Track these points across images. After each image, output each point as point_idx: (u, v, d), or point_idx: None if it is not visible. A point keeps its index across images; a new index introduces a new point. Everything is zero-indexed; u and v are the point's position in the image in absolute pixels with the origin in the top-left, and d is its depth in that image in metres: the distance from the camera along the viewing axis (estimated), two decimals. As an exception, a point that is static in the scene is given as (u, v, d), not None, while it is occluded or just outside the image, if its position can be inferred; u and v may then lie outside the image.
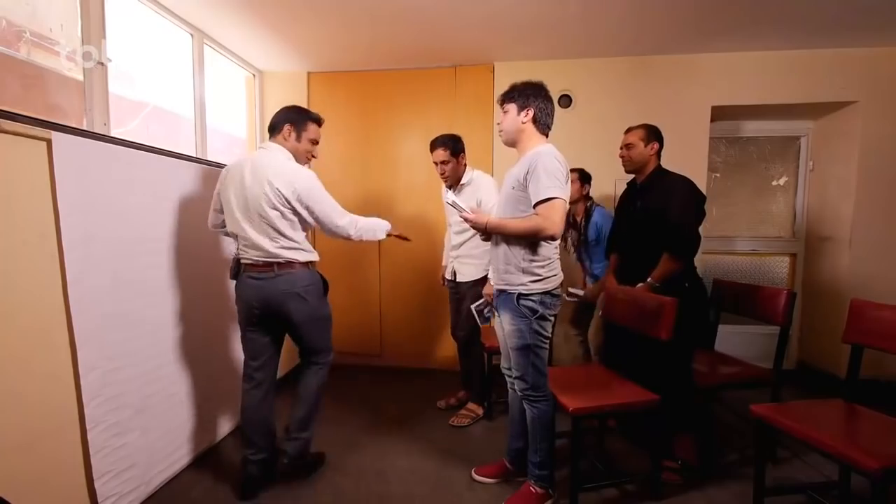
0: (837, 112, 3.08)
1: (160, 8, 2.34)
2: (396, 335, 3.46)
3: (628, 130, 2.18)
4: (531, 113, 1.66)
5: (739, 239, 3.40)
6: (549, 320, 1.71)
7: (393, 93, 3.32)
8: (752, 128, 3.38)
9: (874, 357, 1.73)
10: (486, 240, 1.79)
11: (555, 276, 1.69)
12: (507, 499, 1.77)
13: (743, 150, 3.44)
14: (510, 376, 1.83)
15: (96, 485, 1.58)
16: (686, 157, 3.06)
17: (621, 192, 2.37)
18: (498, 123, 1.77)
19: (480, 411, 2.55)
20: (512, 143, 1.74)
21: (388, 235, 2.07)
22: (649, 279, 2.00)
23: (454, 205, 1.74)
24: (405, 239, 2.15)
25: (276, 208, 1.73)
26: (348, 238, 1.91)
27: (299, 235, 1.83)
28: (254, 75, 3.33)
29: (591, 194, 2.72)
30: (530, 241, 1.63)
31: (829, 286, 3.11)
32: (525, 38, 2.79)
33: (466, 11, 2.41)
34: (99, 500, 1.59)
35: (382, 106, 3.35)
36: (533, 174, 1.57)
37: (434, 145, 2.45)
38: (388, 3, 2.31)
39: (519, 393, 1.76)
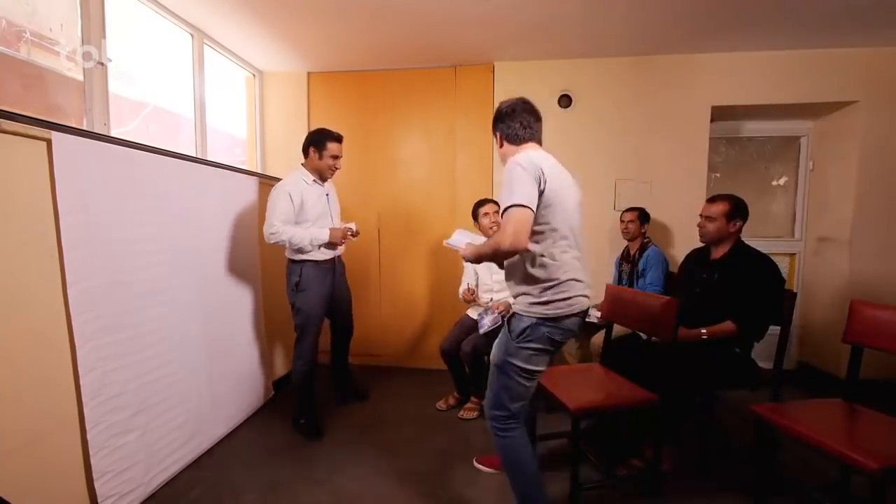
0: (837, 112, 3.08)
1: (160, 8, 2.34)
2: (396, 335, 3.46)
3: (712, 200, 2.08)
4: (499, 136, 1.63)
5: (739, 239, 3.41)
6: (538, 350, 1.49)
7: (393, 93, 3.32)
8: (752, 128, 3.37)
9: (874, 357, 1.73)
10: (501, 267, 1.66)
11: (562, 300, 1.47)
12: None
13: (743, 150, 3.44)
14: None
15: (96, 485, 1.58)
16: (686, 157, 3.07)
17: (689, 252, 2.34)
18: None
19: (480, 403, 2.56)
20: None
21: (331, 244, 2.31)
22: (703, 330, 1.97)
23: (448, 245, 1.78)
24: (352, 235, 2.36)
25: None
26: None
27: None
28: (254, 75, 3.33)
29: (647, 234, 2.82)
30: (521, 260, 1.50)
31: (829, 286, 3.11)
32: (525, 38, 2.78)
33: (466, 11, 2.41)
34: (99, 500, 1.59)
35: (382, 106, 3.34)
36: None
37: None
38: (388, 3, 2.31)
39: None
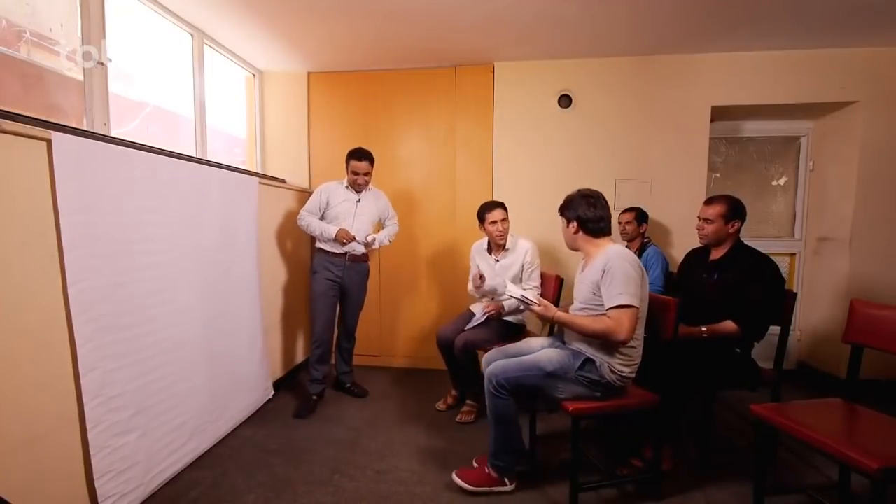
0: (837, 112, 3.08)
1: (160, 8, 2.34)
2: (396, 336, 3.46)
3: (709, 202, 2.09)
4: (576, 225, 1.79)
5: (739, 239, 3.40)
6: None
7: (393, 93, 3.32)
8: (752, 128, 3.38)
9: (874, 357, 1.73)
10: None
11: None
12: (459, 469, 1.90)
13: (743, 150, 3.44)
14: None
15: (96, 485, 1.58)
16: (686, 157, 3.07)
17: (689, 252, 2.33)
18: None
19: (478, 406, 2.56)
20: (573, 249, 1.88)
21: (337, 240, 2.57)
22: (703, 328, 1.97)
23: (523, 299, 1.81)
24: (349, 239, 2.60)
25: None
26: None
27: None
28: (254, 75, 3.33)
29: (647, 234, 2.87)
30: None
31: (829, 286, 3.11)
32: (525, 38, 2.78)
33: (466, 11, 2.41)
34: (99, 500, 1.59)
35: (382, 106, 3.34)
36: (607, 277, 1.64)
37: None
38: (388, 3, 2.31)
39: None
